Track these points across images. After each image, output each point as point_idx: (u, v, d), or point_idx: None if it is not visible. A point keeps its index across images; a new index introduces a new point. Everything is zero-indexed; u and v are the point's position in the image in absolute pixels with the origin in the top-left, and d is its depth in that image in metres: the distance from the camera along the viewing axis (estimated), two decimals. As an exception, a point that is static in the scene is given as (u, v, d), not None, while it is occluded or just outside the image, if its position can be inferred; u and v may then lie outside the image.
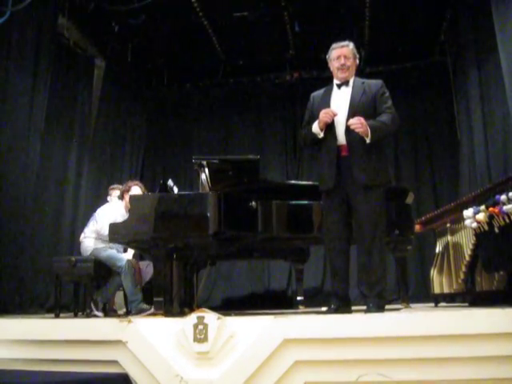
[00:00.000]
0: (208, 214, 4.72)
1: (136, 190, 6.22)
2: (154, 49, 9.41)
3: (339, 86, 4.58)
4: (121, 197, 6.31)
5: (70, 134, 8.10)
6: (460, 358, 3.45)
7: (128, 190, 6.19)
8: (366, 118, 4.31)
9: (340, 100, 4.51)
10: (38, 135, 7.01)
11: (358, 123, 4.21)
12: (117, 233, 5.01)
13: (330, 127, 4.43)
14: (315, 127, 4.47)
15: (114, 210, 6.15)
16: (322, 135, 4.45)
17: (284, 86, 10.22)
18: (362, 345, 3.58)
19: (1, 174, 6.39)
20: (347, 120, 4.35)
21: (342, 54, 4.53)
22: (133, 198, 5.17)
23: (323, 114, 4.37)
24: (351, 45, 4.59)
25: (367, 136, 4.26)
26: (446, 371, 3.47)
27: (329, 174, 4.42)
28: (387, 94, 4.53)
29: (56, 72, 7.55)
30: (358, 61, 4.66)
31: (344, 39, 4.62)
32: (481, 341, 3.41)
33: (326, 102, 4.55)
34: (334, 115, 4.36)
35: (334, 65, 4.59)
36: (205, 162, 5.37)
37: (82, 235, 6.25)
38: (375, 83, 4.57)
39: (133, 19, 8.22)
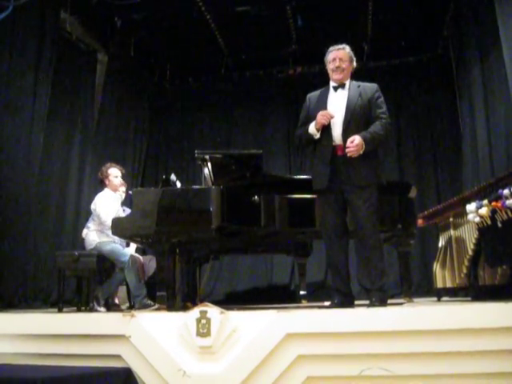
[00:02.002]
0: (211, 209, 4.73)
1: (114, 171, 6.30)
2: (156, 43, 9.40)
3: (335, 89, 4.66)
4: (102, 184, 6.32)
5: (72, 128, 8.10)
6: (463, 352, 3.46)
7: (107, 176, 6.26)
8: (362, 119, 4.49)
9: (337, 102, 4.59)
10: (40, 130, 7.01)
11: (354, 150, 4.31)
12: (120, 227, 5.03)
13: (325, 127, 4.49)
14: (311, 128, 4.54)
15: (105, 197, 6.17)
16: (318, 136, 4.53)
17: (287, 80, 10.20)
18: (364, 339, 3.59)
19: (3, 168, 6.40)
20: (344, 121, 4.47)
21: (337, 57, 4.62)
22: (136, 193, 5.17)
23: (320, 116, 4.45)
24: (347, 48, 4.69)
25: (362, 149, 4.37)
26: (448, 365, 3.48)
27: (323, 174, 4.48)
28: (382, 98, 4.63)
29: (59, 67, 7.54)
30: (354, 64, 4.74)
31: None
32: (484, 335, 3.42)
33: (322, 104, 4.62)
34: (331, 117, 4.44)
35: (329, 67, 4.68)
36: (208, 157, 5.36)
37: (85, 230, 6.27)
38: (371, 87, 4.66)
39: (135, 14, 8.21)
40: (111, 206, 6.04)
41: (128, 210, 6.33)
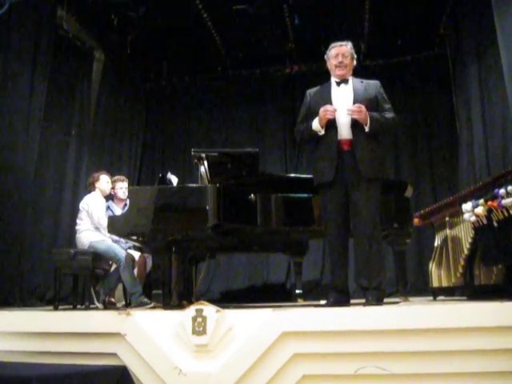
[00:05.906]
0: (207, 207, 4.72)
1: (105, 178, 6.44)
2: (153, 41, 9.36)
3: (338, 84, 4.64)
4: (92, 187, 6.41)
5: (68, 126, 8.08)
6: (458, 351, 3.46)
7: (97, 180, 6.39)
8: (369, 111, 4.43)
9: (342, 96, 4.56)
10: (37, 128, 6.99)
11: (357, 110, 4.32)
12: (116, 225, 5.02)
13: (330, 122, 4.46)
14: (316, 125, 4.50)
15: (96, 197, 6.29)
16: (322, 132, 4.49)
17: (283, 78, 10.19)
18: (360, 338, 3.59)
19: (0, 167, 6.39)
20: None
21: (340, 52, 4.64)
22: (132, 191, 5.18)
23: (324, 112, 4.41)
24: (349, 44, 4.72)
25: (366, 124, 4.36)
26: (443, 364, 3.48)
27: (329, 167, 4.44)
28: (385, 94, 4.67)
29: (55, 64, 7.51)
30: (355, 62, 4.75)
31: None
32: (479, 334, 3.42)
33: (326, 99, 4.59)
34: (334, 111, 4.41)
35: (332, 62, 4.68)
36: (204, 155, 5.36)
37: (77, 233, 6.25)
38: (374, 83, 4.70)
39: (132, 11, 8.20)
40: (103, 208, 6.20)
41: (116, 210, 6.40)
